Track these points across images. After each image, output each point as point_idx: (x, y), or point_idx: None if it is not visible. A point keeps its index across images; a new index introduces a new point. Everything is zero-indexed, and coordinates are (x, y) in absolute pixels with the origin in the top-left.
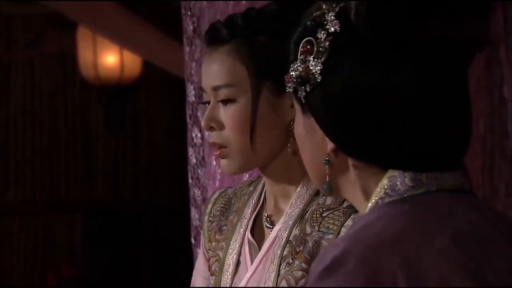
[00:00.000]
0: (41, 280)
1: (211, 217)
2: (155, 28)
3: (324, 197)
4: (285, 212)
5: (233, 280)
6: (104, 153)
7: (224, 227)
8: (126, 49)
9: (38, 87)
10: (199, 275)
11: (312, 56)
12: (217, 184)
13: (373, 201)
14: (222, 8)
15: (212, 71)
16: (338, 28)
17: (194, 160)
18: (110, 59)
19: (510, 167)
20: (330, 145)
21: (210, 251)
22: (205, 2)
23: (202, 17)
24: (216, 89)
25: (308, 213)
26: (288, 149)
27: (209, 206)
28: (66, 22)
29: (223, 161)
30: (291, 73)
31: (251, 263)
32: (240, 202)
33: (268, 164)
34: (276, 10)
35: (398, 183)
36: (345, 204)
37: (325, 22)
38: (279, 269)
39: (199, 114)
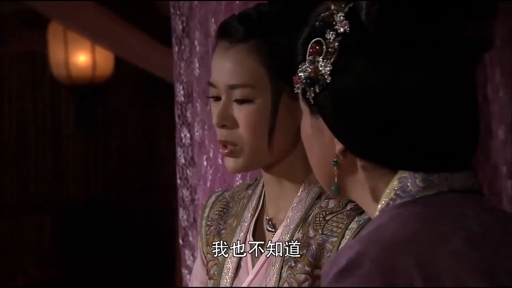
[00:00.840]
0: (9, 281)
1: (209, 221)
2: (131, 26)
3: (327, 200)
4: (287, 215)
5: (232, 283)
6: (74, 153)
7: (223, 231)
8: (100, 45)
9: (7, 87)
10: (197, 279)
11: (321, 57)
12: (208, 185)
13: (383, 202)
14: (214, 7)
15: (229, 68)
16: (348, 29)
17: (183, 161)
18: (82, 58)
19: (494, 166)
20: (338, 146)
21: (208, 255)
22: (196, 2)
23: (191, 17)
24: (232, 87)
25: (311, 216)
26: (301, 153)
27: (206, 210)
28: (35, 21)
29: (229, 159)
30: (300, 74)
31: (252, 267)
32: (238, 206)
33: (274, 165)
34: (295, 11)
35: (409, 184)
36: (348, 207)
37: (334, 23)
38: (280, 272)
39: (188, 114)
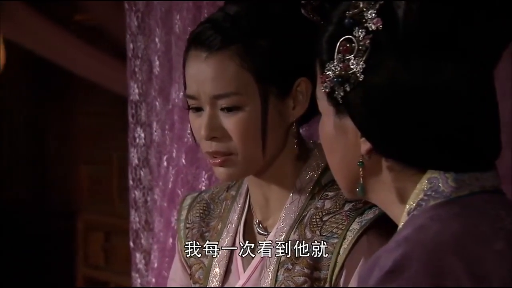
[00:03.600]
0: None
1: (189, 223)
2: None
3: (322, 200)
4: (280, 216)
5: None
6: None
7: (206, 234)
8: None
9: None
10: (175, 282)
11: (352, 55)
12: (169, 186)
13: (412, 203)
14: (179, 3)
15: (211, 78)
16: (381, 26)
17: (136, 161)
18: None
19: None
20: (365, 146)
21: (191, 258)
22: None
23: (148, 13)
24: (218, 97)
25: (307, 217)
26: (293, 151)
27: (184, 212)
28: None
29: (222, 169)
30: (328, 73)
31: (244, 271)
32: (221, 207)
33: (264, 169)
34: (271, 10)
35: (440, 184)
36: (346, 207)
37: (364, 20)
38: (276, 275)
39: (142, 113)
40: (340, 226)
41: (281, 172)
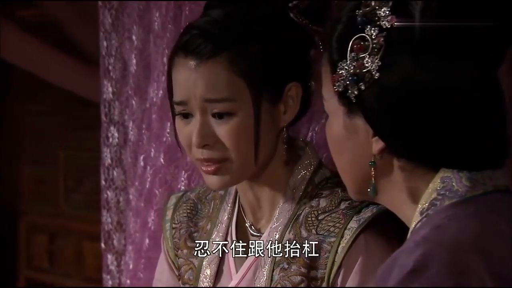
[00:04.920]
0: None
1: (175, 223)
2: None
3: (317, 199)
4: (273, 215)
5: None
6: None
7: (195, 234)
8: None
9: None
10: (161, 283)
11: (367, 53)
12: (147, 186)
13: (424, 203)
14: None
15: (203, 85)
16: (395, 23)
17: (109, 161)
18: None
19: None
20: (377, 146)
21: (180, 259)
22: None
23: (121, 10)
24: (210, 101)
25: (302, 216)
26: (282, 157)
27: (169, 212)
28: None
29: (215, 178)
30: (340, 72)
31: (236, 271)
32: (209, 207)
33: (256, 175)
34: (259, 14)
35: (454, 183)
36: (342, 206)
37: (376, 18)
38: (272, 274)
39: (115, 112)
40: (337, 225)
41: (273, 175)
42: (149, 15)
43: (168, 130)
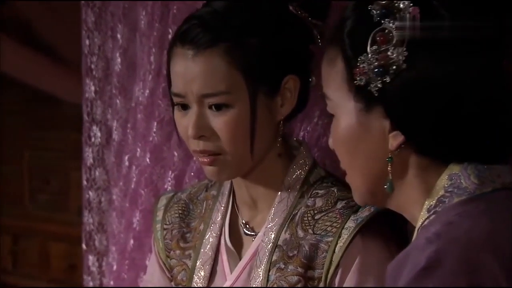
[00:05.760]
0: None
1: (167, 224)
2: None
3: (313, 198)
4: (268, 215)
5: None
6: None
7: (187, 235)
8: None
9: None
10: (152, 284)
11: (391, 45)
12: (132, 186)
13: (432, 200)
14: None
15: (200, 77)
16: (418, 14)
17: (91, 161)
18: None
19: None
20: (395, 141)
21: (173, 260)
22: None
23: (104, 9)
24: (206, 96)
25: (298, 216)
26: (276, 150)
27: (159, 213)
28: None
29: (211, 169)
30: (362, 65)
31: (231, 272)
32: (201, 207)
33: (252, 169)
34: (260, 7)
35: (462, 181)
36: (339, 205)
37: (396, 10)
38: (268, 275)
39: (98, 111)
40: (335, 224)
41: (268, 171)
42: (135, 13)
43: (154, 130)
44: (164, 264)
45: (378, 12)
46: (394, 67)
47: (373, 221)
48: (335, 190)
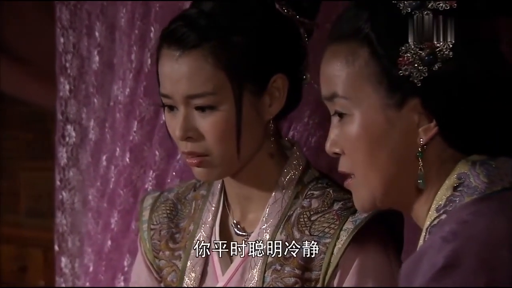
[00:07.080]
0: None
1: (154, 224)
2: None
3: (308, 199)
4: (263, 215)
5: None
6: None
7: (177, 235)
8: None
9: None
10: (140, 285)
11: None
12: (111, 186)
13: (439, 199)
14: None
15: (185, 78)
16: (455, 5)
17: (65, 161)
18: None
19: None
20: (427, 135)
21: (162, 260)
22: None
23: (79, 7)
24: (192, 97)
25: (293, 217)
26: (267, 149)
27: (146, 213)
28: None
29: (200, 170)
30: (406, 55)
31: (222, 273)
32: (190, 208)
33: (241, 169)
34: (245, 7)
35: (471, 180)
36: (336, 206)
37: (428, 1)
38: (264, 276)
39: (72, 110)
40: (332, 226)
41: (260, 171)
42: (114, 11)
43: (135, 129)
44: (152, 265)
45: (410, 3)
46: (443, 54)
47: (372, 223)
48: (331, 191)
